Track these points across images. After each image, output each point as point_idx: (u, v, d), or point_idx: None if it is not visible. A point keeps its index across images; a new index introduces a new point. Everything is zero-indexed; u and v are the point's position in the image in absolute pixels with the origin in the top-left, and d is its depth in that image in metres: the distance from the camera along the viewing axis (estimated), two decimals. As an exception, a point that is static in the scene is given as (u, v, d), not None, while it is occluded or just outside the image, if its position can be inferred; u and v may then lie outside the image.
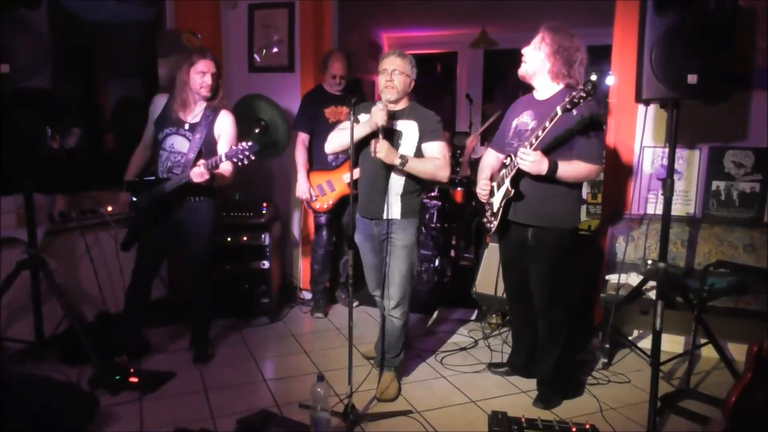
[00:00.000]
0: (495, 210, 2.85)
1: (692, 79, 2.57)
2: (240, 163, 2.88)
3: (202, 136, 3.06)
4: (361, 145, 2.86)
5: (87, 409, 2.53)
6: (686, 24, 2.58)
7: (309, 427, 2.42)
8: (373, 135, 2.78)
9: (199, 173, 2.89)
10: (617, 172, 3.64)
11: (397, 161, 2.73)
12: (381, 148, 2.69)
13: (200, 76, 3.03)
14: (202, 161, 2.93)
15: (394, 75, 2.76)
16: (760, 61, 3.27)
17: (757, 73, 3.28)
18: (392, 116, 2.81)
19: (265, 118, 4.03)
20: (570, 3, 4.90)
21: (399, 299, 2.90)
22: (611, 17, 3.61)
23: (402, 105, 2.85)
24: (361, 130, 2.76)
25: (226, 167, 3.02)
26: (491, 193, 2.89)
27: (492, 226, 2.90)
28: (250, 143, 2.85)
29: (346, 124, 2.77)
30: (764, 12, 3.23)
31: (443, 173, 2.83)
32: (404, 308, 2.94)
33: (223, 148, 3.11)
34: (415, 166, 2.77)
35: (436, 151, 2.82)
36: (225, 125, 3.13)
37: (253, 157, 2.86)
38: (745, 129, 3.36)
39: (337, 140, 2.93)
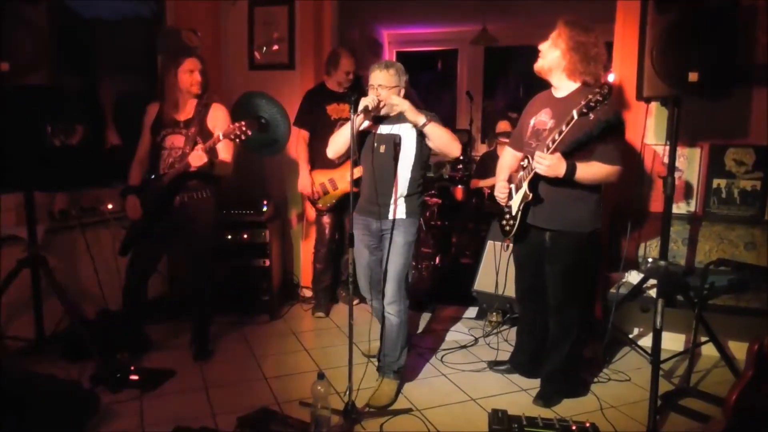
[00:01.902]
0: (514, 213, 2.81)
1: (693, 76, 2.56)
2: (237, 140, 2.92)
3: (197, 130, 3.08)
4: (362, 145, 2.85)
5: (87, 406, 2.53)
6: (687, 21, 2.57)
7: (309, 425, 2.42)
8: (367, 133, 2.77)
9: (197, 156, 2.91)
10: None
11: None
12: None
13: (188, 74, 3.06)
14: (199, 145, 2.95)
15: (379, 89, 2.76)
16: (761, 58, 3.26)
17: (758, 69, 3.27)
18: (390, 121, 2.83)
19: (265, 116, 4.01)
20: (570, 1, 4.88)
21: (395, 295, 2.84)
22: (612, 15, 3.60)
23: (395, 110, 2.82)
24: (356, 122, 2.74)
25: (224, 155, 3.05)
26: (509, 196, 2.86)
27: (511, 229, 2.85)
28: (245, 121, 2.91)
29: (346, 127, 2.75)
30: (765, 9, 3.22)
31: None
32: (400, 306, 2.86)
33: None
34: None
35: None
36: (219, 117, 3.15)
37: (249, 133, 2.90)
38: (746, 127, 3.36)
39: (336, 140, 2.90)
